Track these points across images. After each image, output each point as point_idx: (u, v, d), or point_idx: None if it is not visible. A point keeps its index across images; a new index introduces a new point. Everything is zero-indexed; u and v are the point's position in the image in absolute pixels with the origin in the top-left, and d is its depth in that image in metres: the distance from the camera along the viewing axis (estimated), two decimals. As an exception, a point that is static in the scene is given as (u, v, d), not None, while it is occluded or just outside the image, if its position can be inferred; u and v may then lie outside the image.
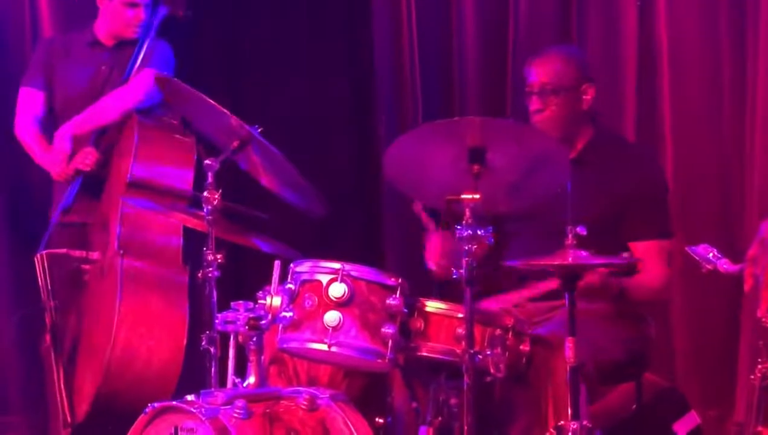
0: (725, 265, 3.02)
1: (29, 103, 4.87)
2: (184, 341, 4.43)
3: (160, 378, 4.38)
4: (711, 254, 3.06)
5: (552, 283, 3.61)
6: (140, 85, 4.69)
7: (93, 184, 4.69)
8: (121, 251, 4.46)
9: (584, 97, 3.96)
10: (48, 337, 4.54)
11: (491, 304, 3.84)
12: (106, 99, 4.70)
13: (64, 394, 4.50)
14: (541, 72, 3.95)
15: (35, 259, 4.62)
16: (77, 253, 4.64)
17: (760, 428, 2.81)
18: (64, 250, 4.64)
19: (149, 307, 4.43)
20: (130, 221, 4.52)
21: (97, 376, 4.38)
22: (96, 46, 4.87)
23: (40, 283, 4.58)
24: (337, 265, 3.39)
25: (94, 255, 4.61)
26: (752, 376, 2.83)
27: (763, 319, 2.82)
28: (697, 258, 3.10)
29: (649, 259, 3.79)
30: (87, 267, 4.62)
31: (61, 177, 4.70)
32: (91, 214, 4.70)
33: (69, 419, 4.47)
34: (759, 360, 2.83)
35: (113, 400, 4.33)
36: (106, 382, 4.35)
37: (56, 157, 4.70)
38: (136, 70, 4.73)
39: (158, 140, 4.64)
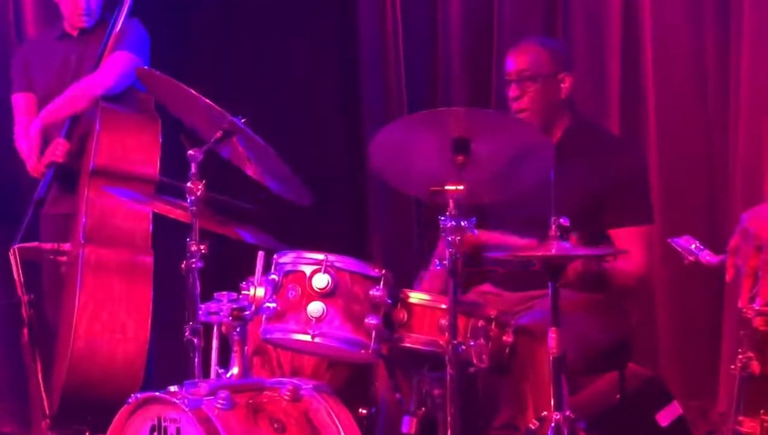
0: (707, 256, 3.03)
1: (23, 108, 4.89)
2: (149, 322, 4.45)
3: (126, 366, 4.39)
4: (693, 246, 3.07)
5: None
6: (110, 70, 4.68)
7: (71, 175, 4.68)
8: (83, 241, 4.45)
9: (562, 85, 4.00)
10: (26, 331, 4.53)
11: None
12: (74, 87, 4.69)
13: (42, 386, 4.49)
14: (518, 60, 4.01)
15: (9, 254, 4.60)
16: (48, 245, 4.64)
17: (741, 418, 2.82)
18: (35, 244, 4.63)
19: (111, 293, 4.44)
20: (95, 210, 4.51)
21: (63, 368, 4.39)
22: (64, 38, 4.89)
23: (15, 277, 4.56)
24: (320, 256, 3.38)
25: (66, 246, 4.59)
26: (732, 366, 2.83)
27: (744, 310, 2.83)
28: (679, 249, 3.11)
29: (630, 246, 3.81)
30: (62, 259, 4.60)
31: (35, 172, 4.70)
32: (72, 205, 4.69)
33: (47, 410, 4.46)
34: (740, 350, 2.84)
35: (80, 391, 4.33)
36: (71, 374, 4.35)
37: (28, 152, 4.69)
38: (107, 54, 4.70)
39: (121, 125, 4.62)
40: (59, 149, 4.65)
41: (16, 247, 4.60)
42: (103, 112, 4.59)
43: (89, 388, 4.33)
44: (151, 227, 4.56)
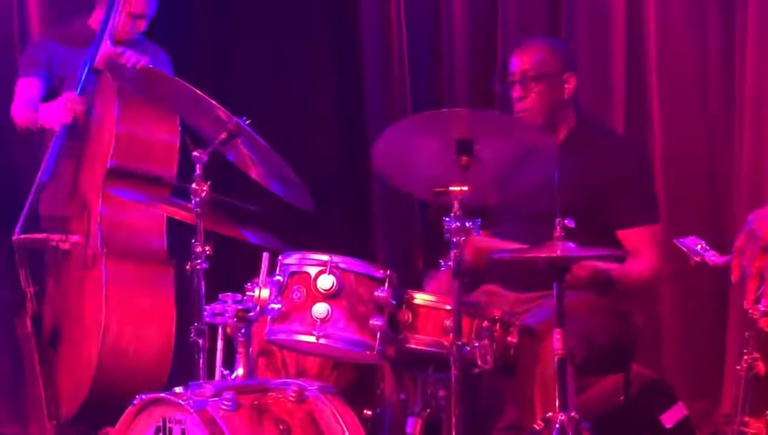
0: (713, 257, 3.02)
1: (26, 89, 4.77)
2: (173, 337, 4.40)
3: (149, 378, 4.34)
4: (699, 246, 3.06)
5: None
6: None
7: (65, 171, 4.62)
8: (105, 250, 4.39)
9: (566, 85, 4.00)
10: (29, 324, 4.49)
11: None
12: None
13: (41, 382, 4.45)
14: (522, 60, 4.01)
15: (13, 244, 4.52)
16: (56, 236, 4.54)
17: (746, 419, 2.82)
18: (43, 235, 4.55)
19: (135, 307, 4.39)
20: (110, 215, 4.45)
21: (85, 380, 4.34)
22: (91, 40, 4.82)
23: (18, 269, 4.51)
24: (325, 257, 3.38)
25: (74, 238, 4.51)
26: (738, 367, 2.84)
27: (750, 311, 2.83)
28: (684, 250, 3.11)
29: (639, 246, 3.81)
30: (66, 247, 4.51)
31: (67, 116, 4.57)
32: (69, 207, 4.61)
33: (52, 410, 4.43)
34: (745, 351, 2.84)
35: (103, 402, 4.28)
36: (94, 390, 4.31)
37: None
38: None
39: (142, 116, 4.50)
40: (78, 106, 4.54)
41: (21, 237, 4.51)
42: (122, 97, 4.47)
43: (111, 398, 4.25)
44: (165, 232, 4.51)
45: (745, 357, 2.83)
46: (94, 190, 4.49)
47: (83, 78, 4.59)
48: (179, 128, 4.54)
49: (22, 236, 4.53)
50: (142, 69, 4.43)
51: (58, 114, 4.57)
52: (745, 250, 2.75)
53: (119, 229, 4.48)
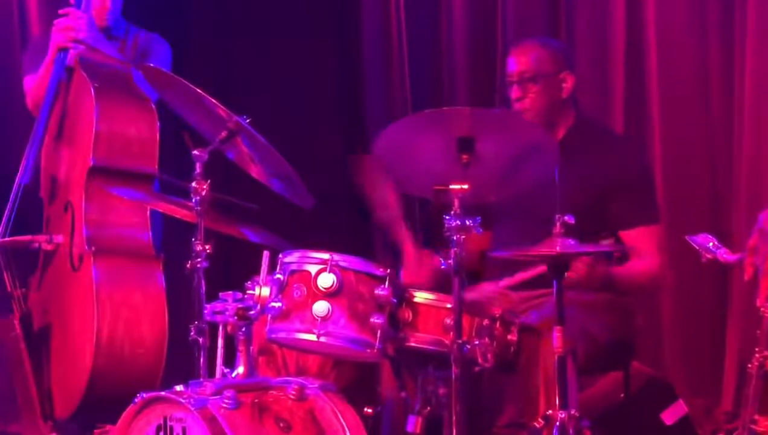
0: (724, 254, 3.03)
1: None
2: (166, 332, 4.39)
3: (145, 375, 4.33)
4: (711, 244, 3.07)
5: (535, 270, 3.63)
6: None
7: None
8: (92, 248, 4.35)
9: (563, 85, 4.02)
10: (17, 326, 4.47)
11: (473, 294, 3.85)
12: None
13: (32, 383, 4.43)
14: (519, 61, 4.03)
15: None
16: (40, 237, 4.51)
17: (756, 417, 2.83)
18: (27, 237, 4.50)
19: (127, 305, 4.36)
20: (95, 213, 4.42)
21: (79, 380, 4.31)
22: None
23: (3, 271, 4.49)
24: (325, 256, 3.38)
25: (58, 238, 4.48)
26: (749, 365, 2.84)
27: (762, 309, 2.84)
28: (696, 247, 3.11)
29: (642, 246, 3.82)
30: (50, 247, 4.45)
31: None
32: (51, 201, 4.56)
33: (46, 410, 4.41)
34: (756, 349, 2.84)
35: (100, 401, 4.27)
36: (90, 389, 4.28)
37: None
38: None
39: (121, 112, 4.48)
40: (82, 22, 4.51)
41: (6, 239, 4.47)
42: (100, 94, 4.43)
43: (108, 397, 4.24)
44: (149, 226, 4.50)
45: (757, 355, 2.83)
46: (77, 189, 4.45)
47: (54, 73, 4.55)
48: (158, 122, 4.52)
49: (5, 239, 4.50)
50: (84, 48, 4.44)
51: (61, 36, 4.53)
52: (758, 248, 2.76)
53: (105, 226, 4.44)
